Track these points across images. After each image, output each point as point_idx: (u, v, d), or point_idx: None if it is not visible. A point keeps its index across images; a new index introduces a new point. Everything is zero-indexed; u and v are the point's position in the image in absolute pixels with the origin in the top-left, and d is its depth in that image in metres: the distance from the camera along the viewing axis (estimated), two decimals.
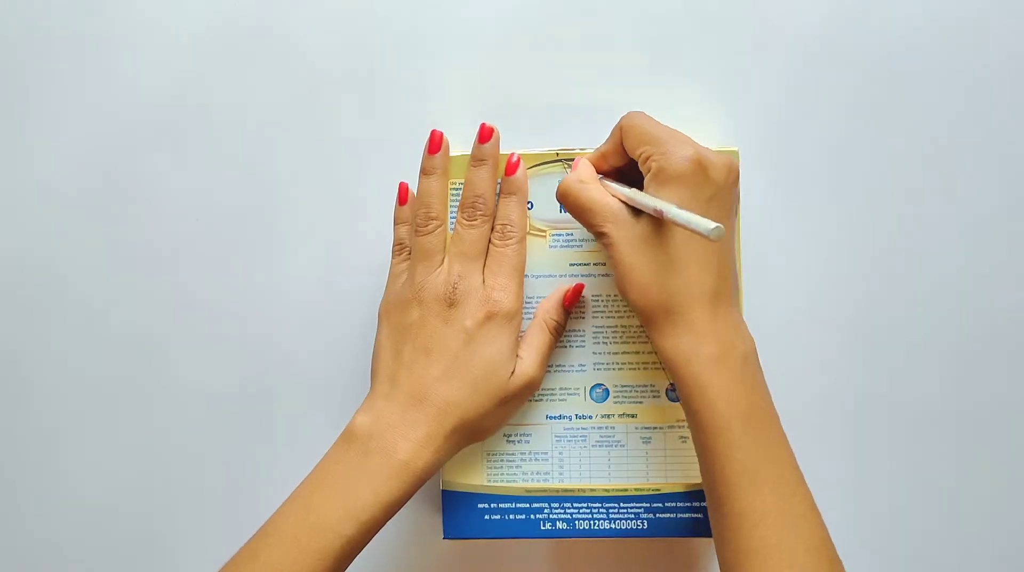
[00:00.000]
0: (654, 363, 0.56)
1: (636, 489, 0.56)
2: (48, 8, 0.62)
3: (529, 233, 0.56)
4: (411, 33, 0.60)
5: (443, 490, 0.57)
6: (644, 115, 0.52)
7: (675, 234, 0.50)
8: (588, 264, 0.56)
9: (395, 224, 0.57)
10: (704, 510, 0.56)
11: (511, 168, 0.55)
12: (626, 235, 0.50)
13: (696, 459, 0.55)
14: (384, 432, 0.51)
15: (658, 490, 0.56)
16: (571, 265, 0.56)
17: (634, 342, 0.56)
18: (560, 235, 0.56)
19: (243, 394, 0.62)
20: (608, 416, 0.56)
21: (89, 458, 0.62)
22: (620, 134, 0.53)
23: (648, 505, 0.56)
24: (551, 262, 0.56)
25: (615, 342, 0.56)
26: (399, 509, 0.51)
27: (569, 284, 0.56)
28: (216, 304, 0.62)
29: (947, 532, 0.61)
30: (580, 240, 0.56)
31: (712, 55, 0.60)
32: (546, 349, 0.55)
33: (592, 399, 0.56)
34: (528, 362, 0.54)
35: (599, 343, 0.56)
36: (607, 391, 0.56)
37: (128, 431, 0.62)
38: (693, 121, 0.59)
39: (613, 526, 0.56)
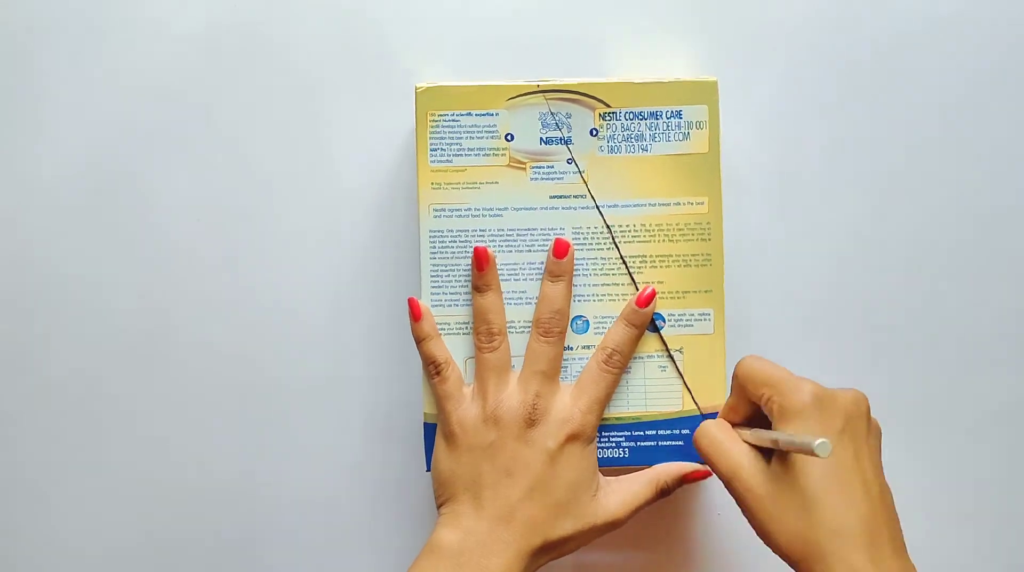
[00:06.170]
0: (633, 294, 0.57)
1: (617, 418, 0.57)
2: (48, 9, 0.61)
3: (509, 165, 0.56)
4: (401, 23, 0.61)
5: (425, 423, 0.57)
6: (757, 358, 0.51)
7: (808, 471, 0.47)
8: (568, 196, 0.57)
9: (419, 341, 0.56)
10: (685, 437, 0.57)
11: (642, 301, 0.56)
12: (756, 483, 0.48)
13: (678, 386, 0.57)
14: (474, 549, 0.52)
15: (639, 419, 0.57)
16: (551, 197, 0.57)
17: (614, 274, 0.57)
18: (540, 167, 0.56)
19: (244, 392, 0.61)
20: (589, 347, 0.57)
21: (90, 456, 0.61)
22: (738, 383, 0.51)
23: (629, 433, 0.57)
24: (531, 195, 0.56)
25: (595, 274, 0.57)
26: None
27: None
28: (217, 303, 0.61)
29: (957, 534, 0.62)
30: (561, 173, 0.57)
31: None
32: (642, 503, 0.55)
33: (573, 330, 0.57)
34: (617, 504, 0.54)
35: (579, 275, 0.57)
36: (587, 322, 0.57)
37: (128, 428, 0.61)
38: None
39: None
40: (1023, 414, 0.62)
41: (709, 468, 0.53)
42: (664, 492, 0.56)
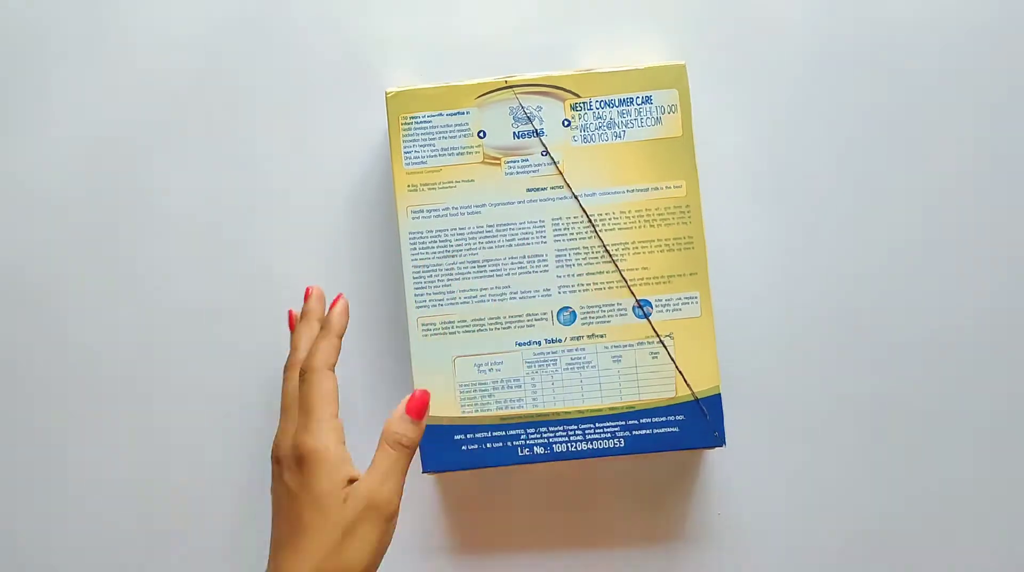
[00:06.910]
0: (618, 282, 0.56)
1: (610, 408, 0.56)
2: (47, 10, 0.62)
3: (483, 162, 0.56)
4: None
5: None
6: None
7: None
8: (545, 188, 0.56)
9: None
10: (680, 424, 0.56)
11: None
12: None
13: (670, 372, 0.56)
14: None
15: (632, 407, 0.56)
16: (528, 190, 0.56)
17: (598, 262, 0.56)
18: (515, 161, 0.56)
19: (243, 395, 0.61)
20: (577, 338, 0.56)
21: (87, 460, 0.61)
22: None
23: (624, 423, 0.56)
24: (508, 190, 0.56)
25: (579, 264, 0.56)
26: None
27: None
28: (206, 306, 0.61)
29: (942, 533, 0.61)
30: (536, 165, 0.56)
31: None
32: (389, 464, 0.49)
33: (560, 322, 0.57)
34: (369, 482, 0.48)
35: (563, 266, 0.56)
36: (574, 313, 0.57)
37: (128, 431, 0.61)
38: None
39: (591, 446, 0.56)
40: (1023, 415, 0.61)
41: (424, 390, 0.50)
42: (407, 444, 0.49)
